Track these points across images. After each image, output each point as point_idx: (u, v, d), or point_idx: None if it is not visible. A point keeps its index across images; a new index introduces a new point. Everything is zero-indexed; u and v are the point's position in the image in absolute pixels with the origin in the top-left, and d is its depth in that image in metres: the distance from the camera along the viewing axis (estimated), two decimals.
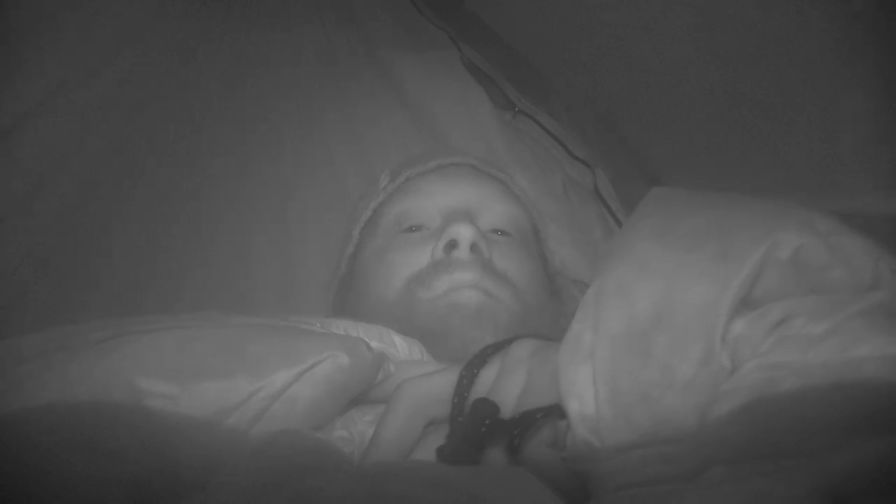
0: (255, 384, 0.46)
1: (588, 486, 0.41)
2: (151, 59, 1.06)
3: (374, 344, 0.55)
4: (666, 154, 0.87)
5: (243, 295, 0.94)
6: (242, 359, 0.47)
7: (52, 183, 0.94)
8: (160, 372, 0.45)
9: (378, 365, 0.52)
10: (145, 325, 0.50)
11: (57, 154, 0.94)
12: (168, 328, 0.49)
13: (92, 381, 0.44)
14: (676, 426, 0.38)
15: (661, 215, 0.48)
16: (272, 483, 0.39)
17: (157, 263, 0.94)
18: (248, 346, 0.48)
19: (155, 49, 1.07)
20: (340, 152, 1.07)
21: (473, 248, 0.68)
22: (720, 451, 0.35)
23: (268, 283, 0.96)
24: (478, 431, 0.43)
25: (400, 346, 0.59)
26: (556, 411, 0.42)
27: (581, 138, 1.04)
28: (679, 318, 0.40)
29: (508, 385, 0.45)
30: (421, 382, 0.49)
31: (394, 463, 0.45)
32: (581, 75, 0.96)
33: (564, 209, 0.99)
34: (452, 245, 0.69)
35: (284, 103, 1.09)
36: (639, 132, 0.89)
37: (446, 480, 0.37)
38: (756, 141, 0.71)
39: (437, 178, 0.78)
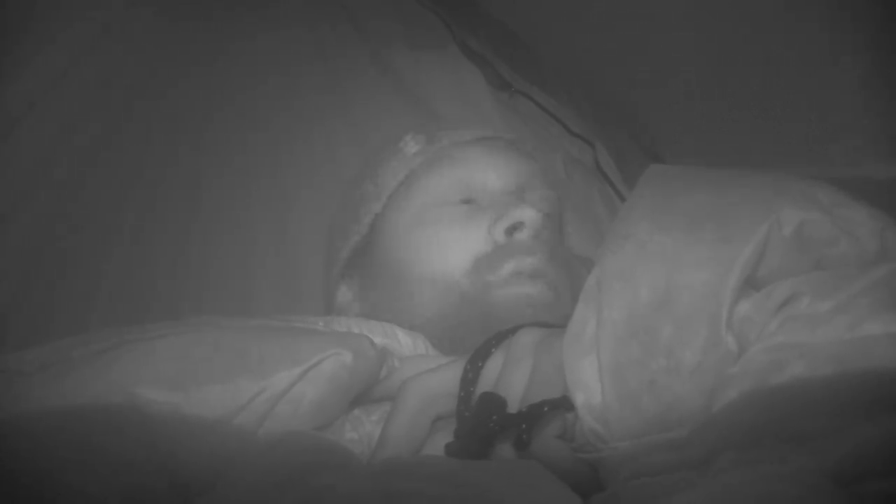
0: (257, 385, 0.45)
1: (599, 477, 0.41)
2: (145, 62, 1.06)
3: (377, 340, 0.54)
4: (665, 128, 0.86)
5: (245, 296, 0.93)
6: (244, 361, 0.47)
7: (50, 185, 0.94)
8: (161, 380, 0.45)
9: (381, 361, 0.52)
10: (144, 334, 0.50)
11: (48, 160, 0.94)
12: (167, 335, 0.49)
13: (93, 393, 0.44)
14: (684, 412, 0.38)
15: (659, 195, 0.47)
16: (283, 481, 0.39)
17: (155, 267, 0.93)
18: (249, 348, 0.48)
19: (147, 51, 1.06)
20: (339, 147, 1.06)
21: (537, 231, 0.66)
22: (728, 437, 0.35)
23: (269, 281, 0.95)
24: (485, 427, 0.43)
25: (404, 342, 0.58)
26: (563, 403, 0.42)
27: (580, 115, 1.03)
28: (683, 303, 0.40)
29: (514, 376, 0.45)
30: (426, 378, 0.48)
31: (403, 459, 0.45)
32: (578, 53, 0.96)
33: (566, 188, 0.98)
34: (515, 227, 0.66)
35: (280, 100, 1.08)
36: (637, 108, 0.89)
37: (456, 475, 0.37)
38: (754, 112, 0.70)
39: (483, 151, 0.73)
